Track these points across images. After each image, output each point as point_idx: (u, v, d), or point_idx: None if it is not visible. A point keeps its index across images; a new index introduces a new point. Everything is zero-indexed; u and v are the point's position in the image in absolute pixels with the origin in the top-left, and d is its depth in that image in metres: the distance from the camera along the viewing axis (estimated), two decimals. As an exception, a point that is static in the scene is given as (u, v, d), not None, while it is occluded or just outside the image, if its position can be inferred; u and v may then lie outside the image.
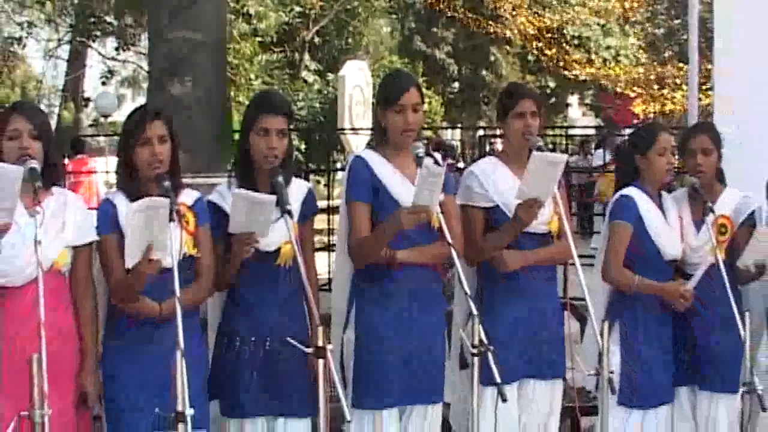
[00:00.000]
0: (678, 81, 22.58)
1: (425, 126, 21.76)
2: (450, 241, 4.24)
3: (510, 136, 4.87)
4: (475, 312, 4.11)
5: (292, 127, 4.51)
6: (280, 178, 4.27)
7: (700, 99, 11.90)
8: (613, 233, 5.00)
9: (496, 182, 4.80)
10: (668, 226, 5.04)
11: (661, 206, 5.08)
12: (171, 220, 3.95)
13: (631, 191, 5.04)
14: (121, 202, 4.26)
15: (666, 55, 26.29)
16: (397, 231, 4.38)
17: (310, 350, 3.93)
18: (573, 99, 36.18)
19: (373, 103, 4.90)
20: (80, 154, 15.90)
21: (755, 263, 4.88)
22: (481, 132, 20.82)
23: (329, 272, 7.68)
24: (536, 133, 4.80)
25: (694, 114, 7.60)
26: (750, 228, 4.96)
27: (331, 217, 11.08)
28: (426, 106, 19.51)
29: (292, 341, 4.15)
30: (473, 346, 4.09)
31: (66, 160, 17.54)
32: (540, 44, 25.55)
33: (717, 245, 4.86)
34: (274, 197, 4.15)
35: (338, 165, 18.42)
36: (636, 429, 4.99)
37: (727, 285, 4.63)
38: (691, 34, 7.68)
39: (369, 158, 4.59)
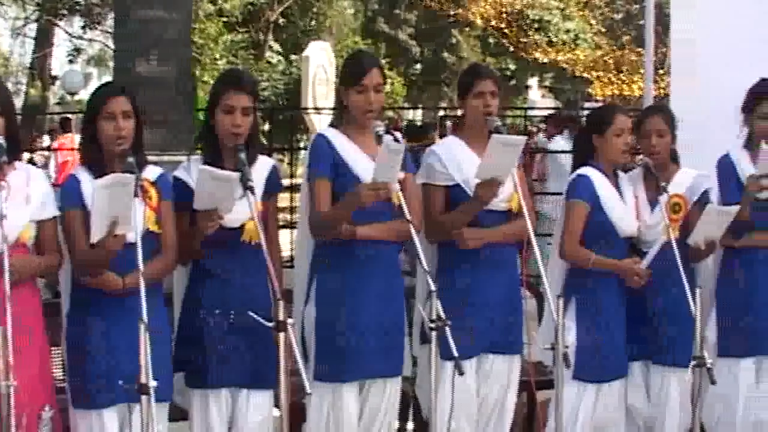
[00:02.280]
0: (636, 65, 22.76)
1: (387, 106, 21.84)
2: (409, 217, 4.33)
3: (470, 115, 4.96)
4: (433, 288, 4.20)
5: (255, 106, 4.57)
6: (244, 155, 4.34)
7: (655, 82, 12.07)
8: (569, 211, 5.11)
9: (456, 161, 4.89)
10: (624, 205, 5.16)
11: (617, 185, 5.20)
12: (135, 195, 4.01)
13: (587, 170, 5.14)
14: (85, 177, 4.30)
15: (624, 39, 26.43)
16: (357, 207, 4.46)
17: (271, 324, 4.02)
18: (533, 81, 36.30)
19: (336, 83, 4.97)
20: (68, 132, 15.89)
21: (705, 241, 5.02)
22: (441, 113, 20.90)
23: (292, 249, 7.74)
24: (495, 112, 4.89)
25: (650, 97, 7.72)
26: (703, 207, 5.08)
27: (293, 195, 11.18)
28: (388, 87, 19.58)
29: (253, 315, 4.22)
30: (432, 321, 4.18)
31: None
32: (501, 27, 25.66)
33: (670, 224, 4.97)
34: (237, 174, 4.22)
35: (301, 144, 18.47)
36: (590, 402, 5.11)
37: (679, 263, 4.75)
38: (647, 19, 7.79)
39: (331, 136, 4.67)
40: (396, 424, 5.06)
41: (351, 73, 4.69)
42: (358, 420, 4.69)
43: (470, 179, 4.76)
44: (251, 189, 4.22)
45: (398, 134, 4.56)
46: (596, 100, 24.41)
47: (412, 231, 4.32)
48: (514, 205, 4.86)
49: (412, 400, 5.27)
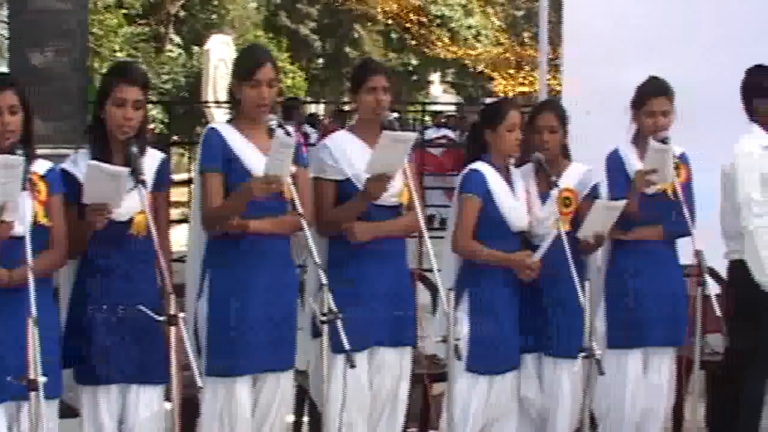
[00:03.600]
0: (536, 62, 22.98)
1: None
2: (300, 211, 4.34)
3: (362, 110, 4.99)
4: (324, 281, 4.23)
5: (156, 100, 4.55)
6: (135, 149, 4.31)
7: (555, 79, 12.24)
8: (462, 206, 5.16)
9: (348, 155, 4.90)
10: (515, 199, 5.22)
11: (509, 180, 5.26)
12: (23, 188, 3.95)
13: (480, 165, 5.20)
14: None
15: (525, 36, 26.73)
16: (249, 200, 4.45)
17: (161, 318, 4.00)
18: (435, 77, 36.52)
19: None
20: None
21: (594, 234, 5.11)
22: (343, 107, 20.90)
23: (189, 244, 7.71)
24: (387, 107, 4.92)
25: (544, 93, 7.84)
26: (593, 201, 5.18)
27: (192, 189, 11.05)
28: (290, 81, 19.55)
29: (143, 309, 4.20)
30: (323, 315, 4.20)
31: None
32: (403, 22, 25.78)
33: (561, 217, 5.06)
34: (127, 169, 4.19)
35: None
36: (483, 394, 5.16)
37: (569, 256, 4.83)
38: (541, 17, 7.90)
39: (222, 130, 4.66)
40: (290, 418, 5.06)
41: (243, 67, 4.68)
42: (252, 414, 4.67)
43: (361, 174, 4.78)
44: (143, 182, 4.20)
45: (290, 127, 4.55)
46: (497, 96, 24.63)
47: (304, 224, 4.34)
48: (405, 200, 4.89)
49: (307, 393, 5.28)
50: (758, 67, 5.60)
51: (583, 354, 4.60)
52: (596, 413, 5.48)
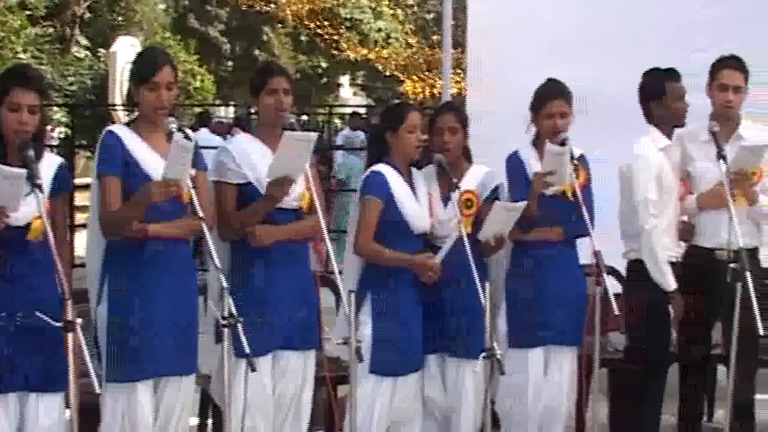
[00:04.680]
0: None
1: (197, 103, 21.65)
2: (201, 215, 4.32)
3: (263, 113, 4.98)
4: (225, 285, 4.21)
5: (61, 102, 4.50)
6: (31, 152, 4.25)
7: (460, 82, 12.31)
8: (364, 208, 5.17)
9: (249, 159, 4.89)
10: (417, 201, 5.25)
11: (411, 182, 5.29)
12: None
13: (381, 167, 5.22)
14: None
15: (435, 39, 26.83)
16: (148, 204, 4.42)
17: (59, 324, 3.95)
18: (345, 79, 36.52)
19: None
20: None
21: (494, 236, 5.17)
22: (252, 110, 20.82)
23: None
24: (289, 109, 4.92)
25: (448, 95, 7.90)
26: (494, 202, 5.23)
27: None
28: (198, 84, 19.34)
29: (41, 315, 4.15)
30: (223, 318, 4.19)
31: None
32: (313, 25, 25.71)
33: (462, 219, 5.09)
34: (24, 171, 4.13)
35: (108, 142, 18.08)
36: (386, 396, 5.18)
37: (470, 257, 4.86)
38: (445, 19, 7.97)
39: (121, 133, 4.62)
40: (193, 422, 5.03)
41: (142, 70, 4.65)
42: (154, 419, 4.64)
43: (263, 177, 4.77)
44: (39, 187, 4.15)
45: (189, 131, 4.53)
46: (408, 99, 24.70)
47: (204, 229, 4.31)
48: (306, 204, 4.90)
49: (211, 398, 5.26)
50: (653, 71, 5.70)
51: (484, 354, 4.64)
52: (499, 413, 5.53)
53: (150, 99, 4.57)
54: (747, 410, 5.70)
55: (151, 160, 4.54)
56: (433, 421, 5.46)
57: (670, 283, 5.53)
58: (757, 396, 5.86)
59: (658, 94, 5.61)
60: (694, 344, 5.83)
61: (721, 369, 5.98)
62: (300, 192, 4.86)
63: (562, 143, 5.25)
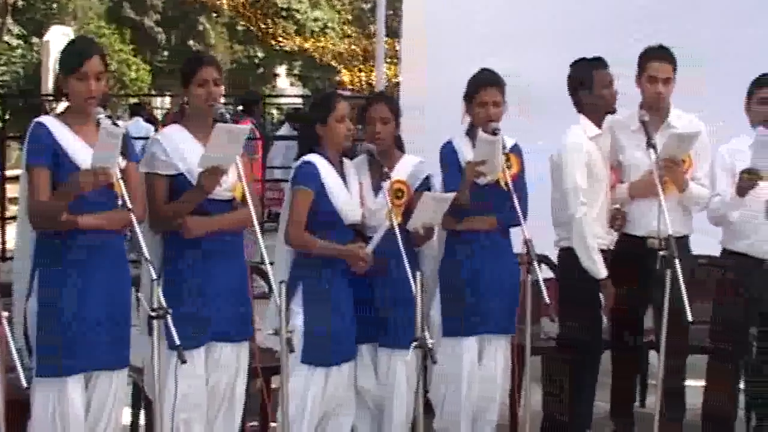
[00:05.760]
0: (385, 54, 23.10)
1: (132, 93, 21.49)
2: (130, 206, 4.28)
3: (193, 104, 4.94)
4: (154, 276, 4.18)
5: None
6: None
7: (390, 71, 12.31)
8: (294, 198, 5.15)
9: (180, 150, 4.85)
10: (348, 191, 5.25)
11: (342, 172, 5.28)
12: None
13: (312, 158, 5.20)
14: None
15: (372, 28, 26.83)
16: (77, 194, 4.38)
17: (-17, 318, 3.90)
18: (281, 69, 36.40)
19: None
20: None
21: (424, 226, 5.18)
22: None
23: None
24: (219, 100, 4.89)
25: (382, 85, 7.91)
26: (424, 192, 5.24)
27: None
28: (134, 74, 19.22)
29: None
30: (153, 310, 4.15)
31: None
32: (249, 14, 25.60)
33: (393, 209, 5.09)
34: None
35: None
36: (319, 386, 5.18)
37: (402, 247, 4.87)
38: (379, 9, 7.97)
39: (50, 124, 4.55)
40: (126, 416, 4.99)
41: (70, 60, 4.59)
42: (85, 414, 4.60)
43: (194, 168, 4.74)
44: None
45: (121, 123, 4.49)
46: (345, 89, 24.70)
47: (134, 220, 4.28)
48: (238, 194, 4.87)
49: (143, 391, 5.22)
50: (581, 60, 5.72)
51: (415, 344, 4.64)
52: (433, 402, 5.56)
53: (79, 89, 4.52)
54: (677, 396, 5.77)
55: (80, 151, 4.49)
56: (367, 411, 5.46)
57: (601, 270, 5.57)
58: (688, 382, 5.93)
59: (586, 83, 5.64)
60: (626, 331, 5.89)
61: (653, 355, 6.04)
62: (232, 182, 4.84)
63: (494, 133, 5.27)
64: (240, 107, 13.51)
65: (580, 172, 5.55)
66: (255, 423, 5.88)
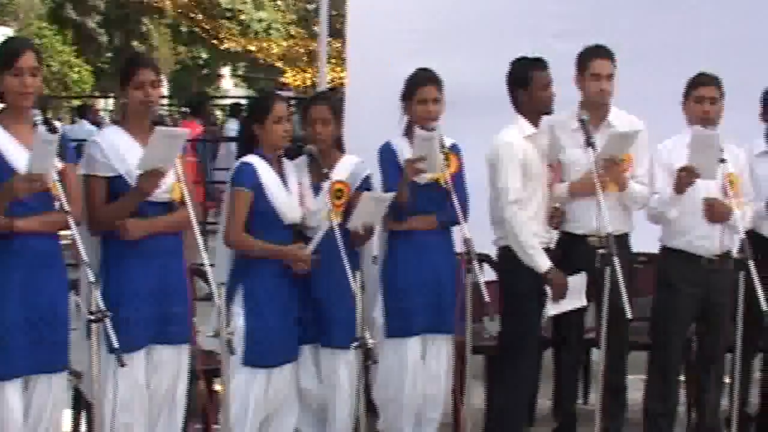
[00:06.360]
0: (328, 55, 23.05)
1: (75, 95, 21.30)
2: (67, 208, 4.25)
3: (131, 105, 4.90)
4: (92, 279, 4.16)
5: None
6: None
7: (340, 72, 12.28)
8: (233, 199, 5.15)
9: (119, 151, 4.81)
10: (287, 192, 5.24)
11: (281, 172, 5.27)
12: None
13: (251, 158, 5.20)
14: None
15: (316, 29, 26.75)
16: (12, 199, 4.34)
17: None
18: (226, 70, 36.26)
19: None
20: None
21: (363, 226, 5.19)
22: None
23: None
24: (157, 102, 4.87)
25: (324, 86, 7.91)
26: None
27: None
28: (76, 75, 19.01)
29: None
30: (91, 314, 4.13)
31: None
32: (193, 15, 25.48)
33: (333, 209, 5.10)
34: None
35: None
36: (261, 387, 5.17)
37: (341, 247, 4.87)
38: (322, 9, 7.95)
39: None
40: (67, 420, 4.94)
41: (4, 56, 4.54)
42: (25, 418, 4.55)
43: (133, 170, 4.71)
44: None
45: (58, 124, 4.44)
46: (290, 89, 24.64)
47: (71, 222, 4.25)
48: (177, 196, 4.84)
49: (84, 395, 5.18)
50: (521, 59, 5.73)
51: (356, 344, 4.64)
52: (377, 402, 5.57)
53: (14, 85, 4.48)
54: (619, 392, 5.82)
55: (15, 153, 4.44)
56: (310, 412, 5.47)
57: (542, 264, 5.55)
58: (629, 378, 5.98)
59: (524, 82, 5.65)
60: (568, 328, 5.91)
61: (595, 352, 6.08)
62: (170, 184, 4.81)
63: (431, 131, 5.28)
64: (187, 109, 13.46)
65: (512, 171, 5.53)
66: (198, 426, 5.84)
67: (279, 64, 25.83)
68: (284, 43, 26.56)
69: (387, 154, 5.52)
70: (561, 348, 6.01)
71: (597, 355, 5.61)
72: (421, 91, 5.45)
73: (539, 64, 5.66)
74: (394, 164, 5.46)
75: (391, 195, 5.20)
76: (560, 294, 5.54)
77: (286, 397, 5.30)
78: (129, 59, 5.05)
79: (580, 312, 5.82)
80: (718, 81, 5.76)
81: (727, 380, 5.88)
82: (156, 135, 4.57)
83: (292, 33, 27.70)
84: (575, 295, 5.47)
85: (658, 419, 5.86)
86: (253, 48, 26.38)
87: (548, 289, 5.53)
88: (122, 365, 4.17)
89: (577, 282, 5.45)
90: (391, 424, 5.57)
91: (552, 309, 5.52)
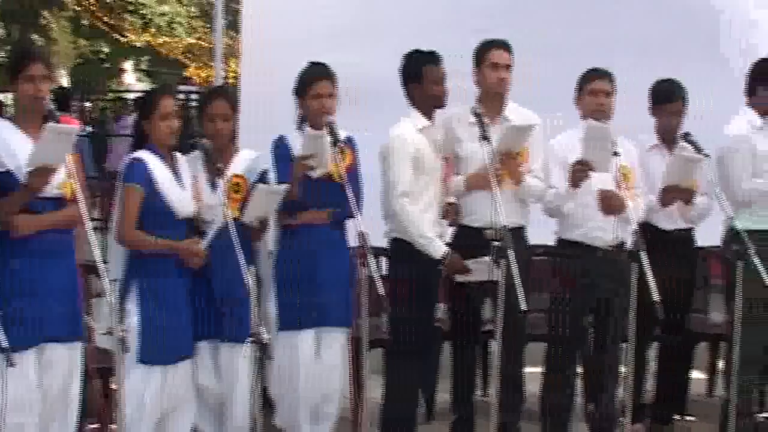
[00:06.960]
0: (231, 49, 22.93)
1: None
2: None
3: (21, 100, 4.81)
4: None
5: None
6: None
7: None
8: (125, 196, 5.10)
9: (8, 146, 4.72)
10: (180, 187, 5.20)
11: (174, 167, 5.23)
12: None
13: (142, 154, 5.15)
14: None
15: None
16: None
17: None
18: (128, 64, 35.80)
19: None
20: None
21: (258, 219, 5.17)
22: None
23: None
24: (48, 96, 4.78)
25: (220, 80, 7.88)
26: None
27: None
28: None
29: None
30: (-22, 312, 4.06)
31: None
32: (94, 9, 25.14)
33: (231, 204, 5.07)
34: None
35: None
36: (157, 385, 5.12)
37: (236, 241, 4.83)
38: (217, 4, 7.92)
39: None
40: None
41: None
42: None
43: (22, 166, 4.63)
44: None
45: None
46: (193, 83, 24.46)
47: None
48: (68, 192, 4.77)
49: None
50: (414, 53, 5.72)
51: (251, 339, 4.62)
52: (273, 396, 5.54)
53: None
54: (515, 384, 5.87)
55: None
56: (207, 409, 5.43)
57: (438, 249, 5.57)
58: (526, 369, 6.04)
59: (416, 76, 5.66)
60: (466, 321, 5.94)
61: (494, 344, 6.11)
62: (61, 180, 4.73)
63: (330, 127, 5.27)
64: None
65: (402, 164, 5.55)
66: (94, 426, 5.77)
67: (182, 58, 25.61)
68: (187, 38, 26.37)
69: (280, 149, 5.51)
70: (458, 341, 6.04)
71: (495, 348, 5.64)
72: (315, 86, 5.45)
73: (432, 58, 5.67)
74: (286, 158, 5.46)
75: (283, 187, 5.20)
76: (453, 271, 5.62)
77: (183, 394, 5.26)
78: (20, 51, 4.94)
79: (476, 305, 5.86)
80: (610, 75, 5.85)
81: (622, 370, 5.96)
82: (46, 131, 4.50)
83: (195, 27, 27.49)
84: (481, 274, 5.45)
85: (555, 411, 5.92)
86: (155, 42, 26.13)
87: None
88: (12, 365, 4.09)
89: (482, 264, 5.42)
90: (288, 419, 5.56)
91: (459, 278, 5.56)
